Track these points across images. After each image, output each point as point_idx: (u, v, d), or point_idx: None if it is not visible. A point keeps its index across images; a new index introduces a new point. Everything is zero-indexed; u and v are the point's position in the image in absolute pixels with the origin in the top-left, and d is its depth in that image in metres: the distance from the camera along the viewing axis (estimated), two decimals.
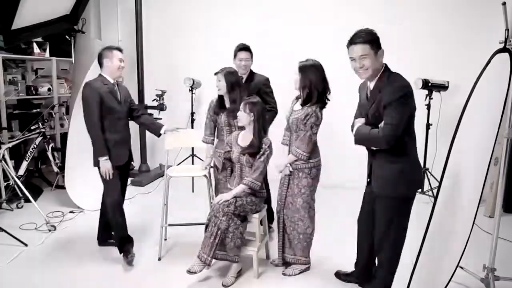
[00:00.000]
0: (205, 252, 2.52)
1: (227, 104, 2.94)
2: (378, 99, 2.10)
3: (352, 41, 2.09)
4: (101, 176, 2.87)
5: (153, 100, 4.82)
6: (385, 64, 2.14)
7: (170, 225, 3.25)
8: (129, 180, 4.84)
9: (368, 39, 2.05)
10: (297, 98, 2.73)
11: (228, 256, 2.60)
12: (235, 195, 2.61)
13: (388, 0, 4.46)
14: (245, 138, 2.75)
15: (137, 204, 4.16)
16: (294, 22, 4.68)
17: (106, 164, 2.81)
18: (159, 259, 2.96)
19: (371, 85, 2.18)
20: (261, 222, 2.83)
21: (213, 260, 2.59)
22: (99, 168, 2.85)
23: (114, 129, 2.88)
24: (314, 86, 2.56)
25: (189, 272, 2.54)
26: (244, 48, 3.24)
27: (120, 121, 2.93)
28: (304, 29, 4.64)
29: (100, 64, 2.92)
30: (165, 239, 3.20)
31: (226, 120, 2.96)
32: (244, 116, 2.68)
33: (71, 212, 3.90)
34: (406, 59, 4.24)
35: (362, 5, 4.48)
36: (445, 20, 4.32)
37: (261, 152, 2.67)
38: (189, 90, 4.69)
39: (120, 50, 2.95)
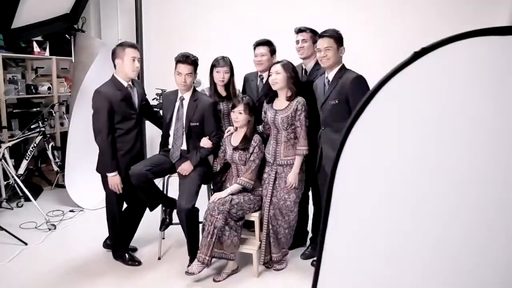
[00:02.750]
0: (203, 252, 2.53)
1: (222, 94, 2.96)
2: (338, 87, 2.48)
3: (320, 35, 2.54)
4: (103, 182, 2.82)
5: (153, 99, 4.81)
6: (343, 63, 2.56)
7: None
8: None
9: (334, 35, 2.49)
10: (271, 98, 2.74)
11: (224, 253, 2.61)
12: (230, 193, 2.63)
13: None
14: (237, 138, 2.76)
15: None
16: (295, 22, 4.67)
17: (115, 179, 2.72)
18: (159, 258, 2.97)
19: (330, 75, 2.55)
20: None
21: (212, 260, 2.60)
22: (102, 175, 2.80)
23: (126, 138, 2.76)
24: (297, 81, 2.66)
25: (187, 273, 2.55)
26: (259, 43, 2.96)
27: (134, 129, 2.79)
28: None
29: (114, 64, 2.74)
30: (163, 238, 3.18)
31: (226, 110, 2.94)
32: (244, 118, 2.68)
33: (71, 211, 3.90)
34: (405, 57, 4.25)
35: (362, 4, 4.47)
36: (444, 20, 4.31)
37: (250, 151, 2.67)
38: None
39: (133, 46, 2.73)
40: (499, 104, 0.80)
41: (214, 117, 2.83)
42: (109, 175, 2.71)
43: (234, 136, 2.79)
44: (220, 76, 2.89)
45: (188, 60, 2.72)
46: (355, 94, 2.40)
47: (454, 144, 0.82)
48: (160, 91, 4.82)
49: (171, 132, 2.87)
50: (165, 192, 2.98)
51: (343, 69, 2.55)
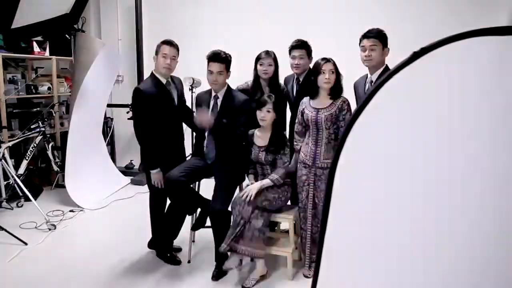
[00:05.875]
0: (226, 242, 2.49)
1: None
2: None
3: (365, 35, 2.53)
4: (147, 181, 2.83)
5: None
6: (387, 64, 2.51)
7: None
8: (129, 179, 4.87)
9: (379, 35, 2.50)
10: (310, 97, 2.62)
11: (248, 250, 2.50)
12: (261, 186, 2.57)
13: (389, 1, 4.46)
14: (263, 136, 2.69)
15: (137, 204, 4.16)
16: (296, 22, 4.68)
17: (157, 176, 2.74)
18: (189, 261, 2.91)
19: (374, 76, 2.53)
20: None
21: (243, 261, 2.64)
22: (146, 174, 2.81)
23: (168, 135, 2.75)
24: (339, 79, 2.57)
25: (224, 268, 2.61)
26: (297, 46, 2.88)
27: (175, 125, 2.79)
28: (305, 29, 4.63)
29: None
30: (193, 241, 3.08)
31: None
32: (272, 117, 2.61)
33: (71, 211, 3.90)
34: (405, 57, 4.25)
35: (362, 5, 4.48)
36: (444, 20, 4.32)
37: (281, 152, 2.62)
38: (189, 89, 4.68)
39: (168, 43, 2.71)
40: (498, 103, 0.80)
41: (247, 115, 2.73)
42: (152, 172, 2.73)
43: (259, 136, 2.71)
44: (264, 68, 2.84)
45: (219, 58, 2.65)
46: None
47: (453, 143, 0.82)
48: None
49: (206, 133, 2.80)
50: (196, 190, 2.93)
51: (387, 70, 2.46)
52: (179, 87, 2.87)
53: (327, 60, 2.52)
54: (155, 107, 2.67)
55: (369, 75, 2.59)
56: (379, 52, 2.48)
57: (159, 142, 2.74)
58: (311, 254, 2.69)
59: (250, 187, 2.59)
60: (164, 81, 2.74)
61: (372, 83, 2.54)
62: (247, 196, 2.51)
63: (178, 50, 2.80)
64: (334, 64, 2.52)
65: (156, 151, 2.72)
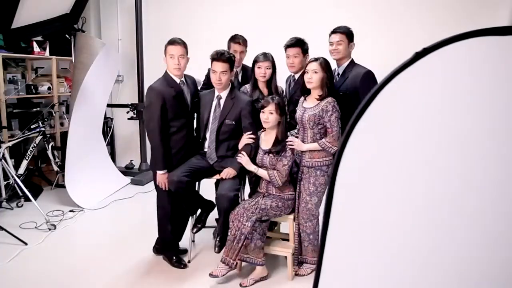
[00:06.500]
0: (229, 256, 2.49)
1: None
2: (348, 80, 2.69)
3: (334, 31, 2.77)
4: (154, 181, 2.79)
5: None
6: (352, 58, 2.79)
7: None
8: (129, 179, 4.86)
9: (345, 31, 2.73)
10: (304, 96, 2.66)
11: (249, 257, 2.55)
12: (253, 170, 2.62)
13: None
14: (267, 139, 2.65)
15: (138, 203, 4.16)
16: (297, 23, 4.68)
17: (162, 177, 2.68)
18: (189, 261, 2.90)
19: (340, 69, 2.79)
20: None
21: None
22: (154, 173, 2.76)
23: (178, 136, 2.72)
24: (329, 80, 2.55)
25: (211, 275, 2.51)
26: (291, 44, 2.85)
27: (185, 127, 2.75)
28: (305, 28, 4.63)
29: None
30: (193, 241, 3.06)
31: None
32: (275, 118, 2.56)
33: (71, 211, 3.90)
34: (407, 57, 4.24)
35: (364, 5, 4.48)
36: (445, 20, 4.32)
37: (283, 154, 2.56)
38: None
39: (173, 43, 2.67)
40: (499, 104, 0.80)
41: (252, 116, 2.72)
42: (159, 172, 2.69)
43: (264, 139, 2.67)
44: (262, 71, 2.83)
45: (223, 57, 2.64)
46: (364, 88, 2.54)
47: (456, 144, 0.82)
48: None
49: (208, 134, 2.78)
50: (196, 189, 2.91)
51: (353, 63, 2.76)
52: (192, 87, 2.83)
53: (313, 60, 2.56)
54: (168, 106, 2.65)
55: (336, 68, 2.81)
56: (345, 46, 2.72)
57: (170, 142, 2.71)
58: (298, 252, 2.74)
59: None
60: (178, 80, 2.71)
61: (339, 75, 2.77)
62: (248, 211, 2.49)
63: (185, 47, 2.74)
64: (320, 64, 2.51)
65: (166, 152, 2.69)
